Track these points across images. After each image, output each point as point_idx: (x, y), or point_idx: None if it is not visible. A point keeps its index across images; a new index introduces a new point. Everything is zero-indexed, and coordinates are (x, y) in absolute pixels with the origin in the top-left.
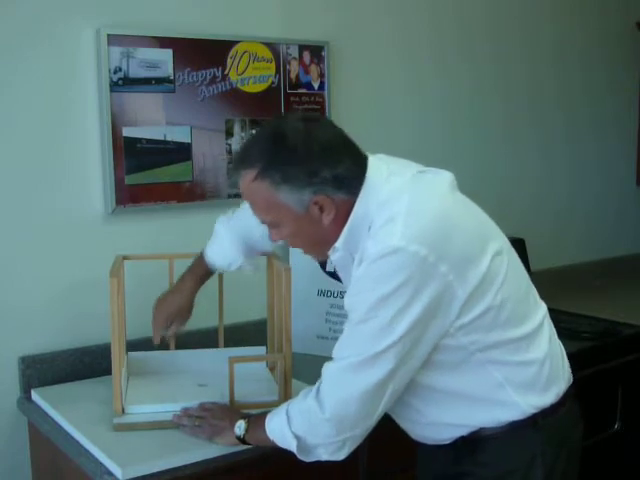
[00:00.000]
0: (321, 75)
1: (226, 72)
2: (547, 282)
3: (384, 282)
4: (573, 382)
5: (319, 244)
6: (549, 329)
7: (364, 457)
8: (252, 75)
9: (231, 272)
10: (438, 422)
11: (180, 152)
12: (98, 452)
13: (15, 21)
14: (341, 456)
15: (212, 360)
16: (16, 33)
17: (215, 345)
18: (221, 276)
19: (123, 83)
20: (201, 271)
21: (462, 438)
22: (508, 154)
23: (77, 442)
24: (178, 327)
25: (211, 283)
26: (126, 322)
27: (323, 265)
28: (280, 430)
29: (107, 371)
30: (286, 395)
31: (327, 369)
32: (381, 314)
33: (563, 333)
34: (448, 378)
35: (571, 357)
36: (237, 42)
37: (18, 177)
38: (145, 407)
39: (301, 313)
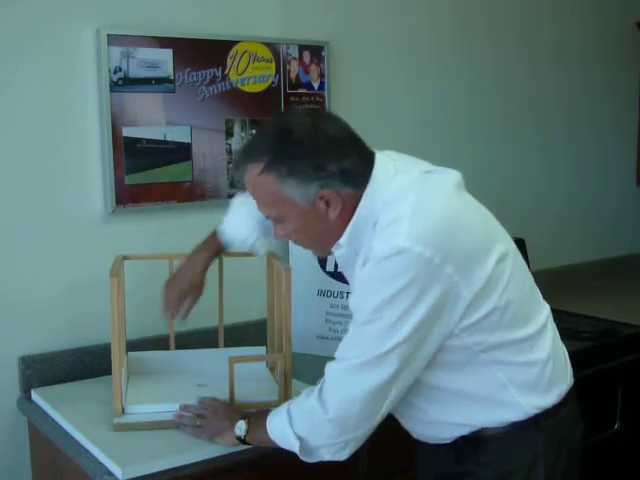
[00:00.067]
0: (321, 75)
1: (226, 72)
2: (547, 282)
3: (389, 283)
4: (573, 382)
5: (324, 240)
6: (552, 330)
7: (364, 457)
8: (252, 75)
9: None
10: (442, 421)
11: (180, 152)
12: (98, 452)
13: (15, 21)
14: (344, 456)
15: (212, 360)
16: (16, 33)
17: (215, 345)
18: (221, 276)
19: (123, 83)
20: (214, 246)
21: (463, 437)
22: (508, 154)
23: (77, 442)
24: (190, 304)
25: (211, 283)
26: (126, 322)
27: (323, 265)
28: (281, 430)
29: (107, 371)
30: (286, 395)
31: (330, 369)
32: (386, 315)
33: (563, 333)
34: (454, 378)
35: (571, 357)
36: (237, 42)
37: (18, 177)
38: (145, 407)
39: (301, 313)
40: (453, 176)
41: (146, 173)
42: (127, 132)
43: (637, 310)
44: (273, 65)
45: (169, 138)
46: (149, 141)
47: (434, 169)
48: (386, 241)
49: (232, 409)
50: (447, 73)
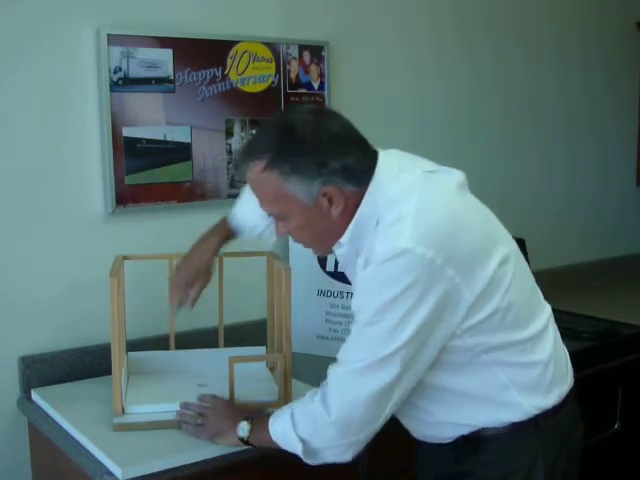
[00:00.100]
0: (321, 75)
1: (226, 72)
2: (547, 282)
3: (391, 285)
4: (574, 382)
5: (326, 238)
6: (554, 330)
7: (365, 458)
8: (252, 75)
9: (252, 241)
10: (445, 422)
11: (180, 152)
12: (98, 452)
13: (15, 21)
14: (347, 458)
15: (212, 360)
16: (16, 33)
17: (215, 345)
18: (221, 276)
19: (123, 83)
20: (225, 230)
21: (463, 437)
22: (508, 154)
23: (77, 442)
24: (198, 291)
25: (211, 283)
26: (126, 322)
27: (323, 265)
28: (284, 433)
29: (107, 371)
30: (286, 395)
31: (333, 372)
32: (388, 317)
33: (563, 333)
34: (457, 378)
35: (571, 357)
36: (237, 42)
37: (18, 177)
38: (145, 407)
39: (301, 313)
40: (456, 176)
41: (146, 173)
42: (127, 132)
43: (637, 310)
44: (273, 65)
45: (169, 138)
46: (149, 141)
47: (438, 169)
48: (388, 242)
49: (233, 408)
50: (447, 73)
